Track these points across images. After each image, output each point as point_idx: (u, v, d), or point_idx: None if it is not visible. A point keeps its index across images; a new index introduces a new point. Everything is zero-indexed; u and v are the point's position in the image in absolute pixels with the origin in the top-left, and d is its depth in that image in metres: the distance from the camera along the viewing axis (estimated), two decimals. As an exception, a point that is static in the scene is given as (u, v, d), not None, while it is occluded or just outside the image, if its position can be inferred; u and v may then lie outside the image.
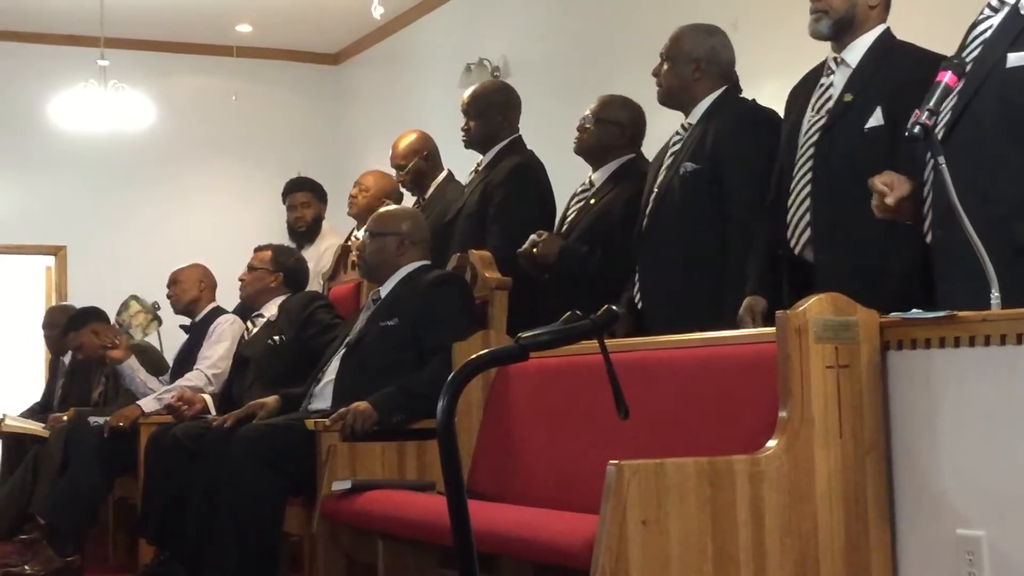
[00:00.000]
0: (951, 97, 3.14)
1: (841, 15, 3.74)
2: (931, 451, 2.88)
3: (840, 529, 2.88)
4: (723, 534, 2.74)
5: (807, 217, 3.73)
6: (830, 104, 3.75)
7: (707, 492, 2.73)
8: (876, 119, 3.62)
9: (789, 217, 3.77)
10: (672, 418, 3.32)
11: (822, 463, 2.87)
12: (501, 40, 8.78)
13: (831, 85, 3.77)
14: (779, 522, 2.81)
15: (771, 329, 3.00)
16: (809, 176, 3.73)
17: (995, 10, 3.24)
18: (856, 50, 3.75)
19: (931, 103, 2.98)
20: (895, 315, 2.97)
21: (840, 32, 3.75)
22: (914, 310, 2.93)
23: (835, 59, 3.79)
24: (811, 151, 3.75)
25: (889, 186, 3.19)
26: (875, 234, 3.50)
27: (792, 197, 3.77)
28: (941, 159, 2.89)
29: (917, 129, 2.94)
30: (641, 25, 6.87)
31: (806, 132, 3.78)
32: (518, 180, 5.24)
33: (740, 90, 4.50)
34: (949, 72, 3.04)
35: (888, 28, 3.79)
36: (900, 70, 3.65)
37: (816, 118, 3.77)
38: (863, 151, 3.62)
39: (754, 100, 4.45)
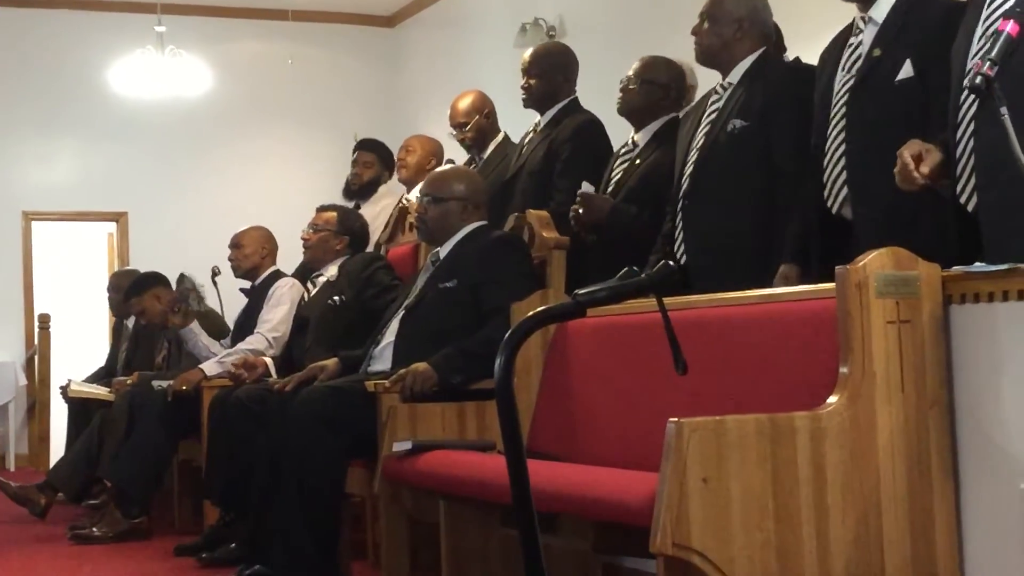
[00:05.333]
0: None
1: None
2: (995, 405, 2.85)
3: (903, 484, 2.86)
4: (784, 491, 2.73)
5: (843, 175, 3.73)
6: (859, 62, 3.73)
7: (768, 449, 2.72)
8: (906, 71, 3.61)
9: (826, 176, 3.77)
10: (731, 375, 3.31)
11: (884, 419, 2.85)
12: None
13: (860, 43, 3.75)
14: (841, 478, 2.79)
15: (831, 285, 2.97)
16: (843, 135, 3.73)
17: None
18: (882, 6, 3.72)
19: (993, 53, 2.91)
20: (957, 269, 2.94)
21: None
22: (976, 263, 2.90)
23: (863, 18, 3.77)
24: (843, 109, 3.74)
25: (916, 157, 3.17)
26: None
27: (828, 156, 3.77)
28: (1004, 109, 2.83)
29: (979, 80, 2.88)
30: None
31: (838, 92, 3.77)
32: (585, 138, 5.24)
33: (785, 48, 4.48)
34: (1012, 21, 2.96)
35: None
36: (927, 21, 3.63)
37: (846, 77, 3.76)
38: (895, 105, 3.62)
39: (797, 58, 4.45)
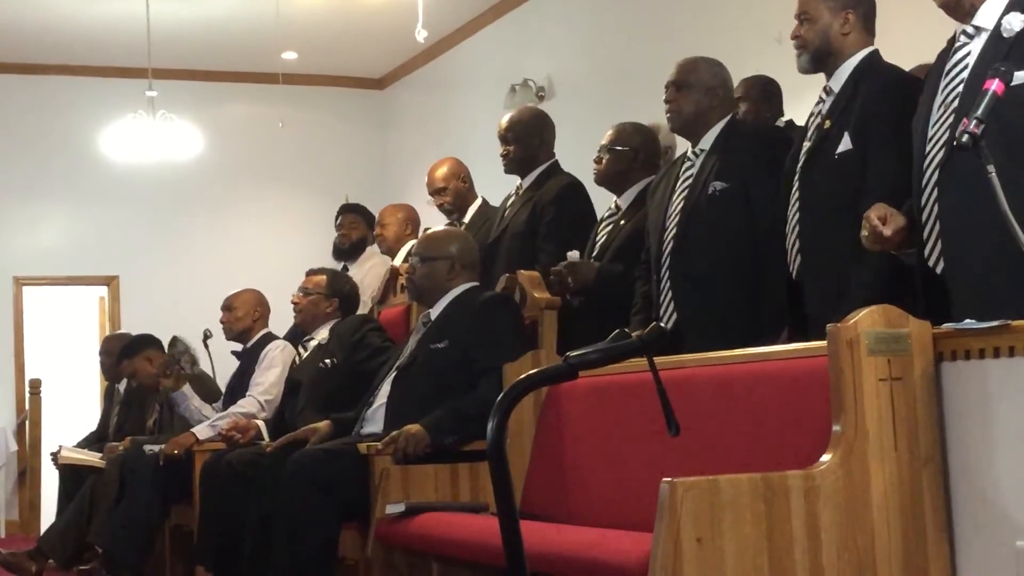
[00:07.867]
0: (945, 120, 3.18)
1: (816, 46, 3.79)
2: (988, 462, 2.85)
3: (898, 543, 2.85)
4: (779, 551, 2.72)
5: (797, 243, 3.80)
6: (814, 132, 3.80)
7: (761, 508, 2.72)
8: (845, 144, 3.67)
9: (788, 243, 3.84)
10: (724, 434, 3.30)
11: (878, 477, 2.85)
12: (545, 60, 8.80)
13: (819, 113, 3.81)
14: (835, 537, 2.78)
15: (822, 343, 2.98)
16: (797, 206, 3.80)
17: (971, 36, 3.28)
18: (840, 77, 3.79)
19: (979, 111, 2.92)
20: (948, 326, 2.95)
21: (820, 63, 3.80)
22: (967, 320, 2.90)
23: (825, 88, 3.83)
24: (797, 181, 3.82)
25: (883, 220, 3.23)
26: (846, 260, 3.56)
27: (788, 224, 3.85)
28: (991, 168, 2.83)
29: (966, 138, 2.90)
30: (685, 42, 6.87)
31: (798, 159, 3.84)
32: (567, 200, 5.32)
33: (782, 112, 4.55)
34: (997, 80, 2.98)
35: (874, 51, 3.80)
36: (869, 93, 3.68)
37: (807, 146, 3.82)
38: (836, 177, 3.68)
39: (790, 120, 4.51)
